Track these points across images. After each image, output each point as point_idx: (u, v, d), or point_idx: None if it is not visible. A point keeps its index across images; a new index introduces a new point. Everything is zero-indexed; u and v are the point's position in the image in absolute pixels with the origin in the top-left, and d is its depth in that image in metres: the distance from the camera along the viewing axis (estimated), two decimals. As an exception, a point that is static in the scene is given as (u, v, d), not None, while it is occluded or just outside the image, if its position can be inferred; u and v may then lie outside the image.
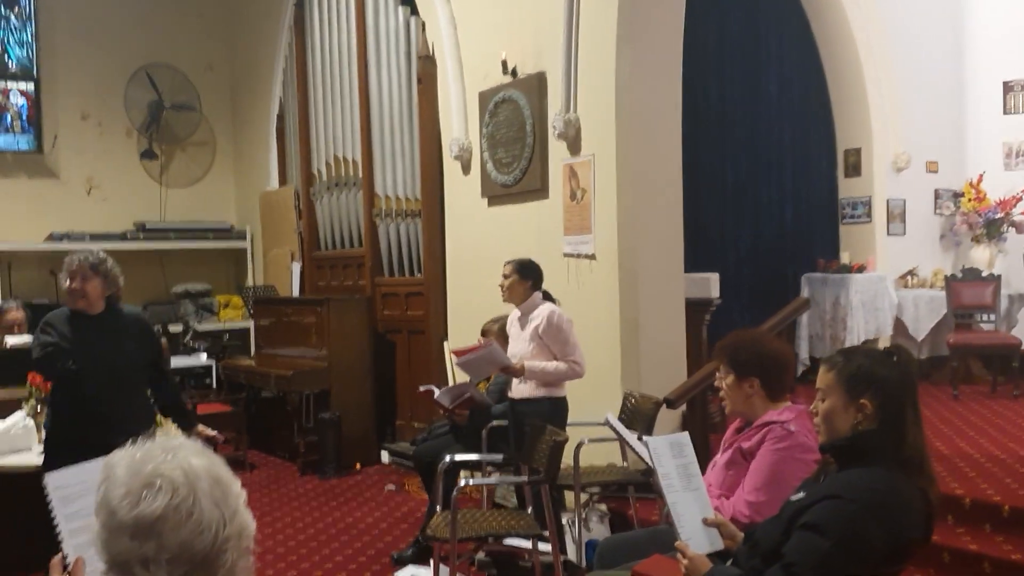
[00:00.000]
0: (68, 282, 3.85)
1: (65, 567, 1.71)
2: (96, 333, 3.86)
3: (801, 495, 2.24)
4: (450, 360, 6.81)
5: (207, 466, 1.35)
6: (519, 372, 4.49)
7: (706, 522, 2.50)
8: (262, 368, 7.73)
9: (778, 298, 7.88)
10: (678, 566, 2.49)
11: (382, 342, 7.46)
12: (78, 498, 1.79)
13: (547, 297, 4.67)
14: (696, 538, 2.46)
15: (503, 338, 5.00)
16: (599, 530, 4.72)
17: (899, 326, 7.88)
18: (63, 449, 3.92)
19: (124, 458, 1.36)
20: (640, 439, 3.06)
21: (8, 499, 4.32)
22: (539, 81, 5.90)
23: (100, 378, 3.82)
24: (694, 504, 2.52)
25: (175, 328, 8.72)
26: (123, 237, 9.28)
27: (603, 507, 4.94)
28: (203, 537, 1.30)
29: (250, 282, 9.68)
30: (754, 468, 2.79)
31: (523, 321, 4.61)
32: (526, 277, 4.58)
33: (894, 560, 2.14)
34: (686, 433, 2.66)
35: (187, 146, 10.03)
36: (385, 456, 7.17)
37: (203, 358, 8.44)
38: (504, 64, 6.12)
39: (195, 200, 10.06)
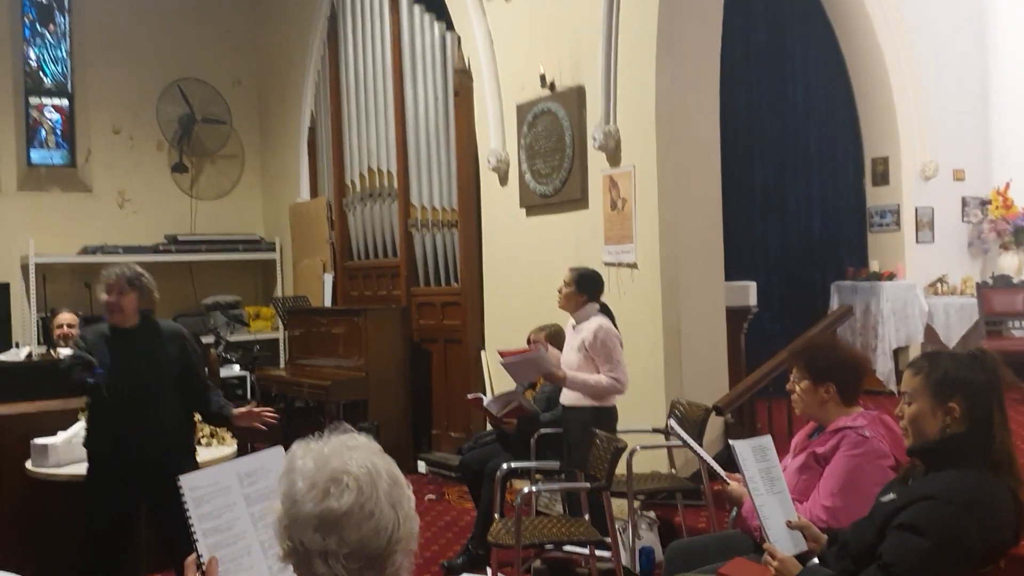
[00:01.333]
0: (105, 296, 3.92)
1: (199, 566, 1.78)
2: (129, 347, 3.94)
3: (892, 496, 2.29)
4: (488, 369, 6.89)
5: (387, 466, 1.41)
6: (562, 380, 4.56)
7: (790, 524, 2.56)
8: (295, 378, 7.79)
9: (807, 306, 7.95)
10: (762, 568, 2.55)
11: (418, 352, 7.52)
12: (212, 498, 1.85)
13: (604, 310, 4.70)
14: (781, 540, 2.52)
15: (550, 346, 5.07)
16: (648, 537, 4.77)
17: (930, 333, 7.92)
18: (102, 462, 4.02)
19: (310, 451, 1.41)
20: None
21: (71, 507, 4.40)
22: (578, 94, 5.98)
23: (130, 392, 3.89)
24: (778, 507, 2.58)
25: (207, 339, 8.79)
26: (155, 250, 9.37)
27: (651, 514, 4.98)
28: (380, 536, 1.35)
29: (279, 293, 9.77)
30: (829, 473, 2.84)
31: (577, 329, 4.67)
32: (582, 290, 4.61)
33: (988, 560, 2.19)
34: (768, 437, 2.72)
35: (216, 159, 10.12)
36: (422, 466, 7.22)
37: (236, 369, 8.51)
38: (542, 78, 6.20)
39: (224, 212, 10.15)
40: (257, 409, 4.05)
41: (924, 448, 2.27)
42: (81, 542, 4.06)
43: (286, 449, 1.48)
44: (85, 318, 6.86)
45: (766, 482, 2.59)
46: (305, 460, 1.40)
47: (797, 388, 2.98)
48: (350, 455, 1.40)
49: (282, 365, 9.17)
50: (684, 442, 3.21)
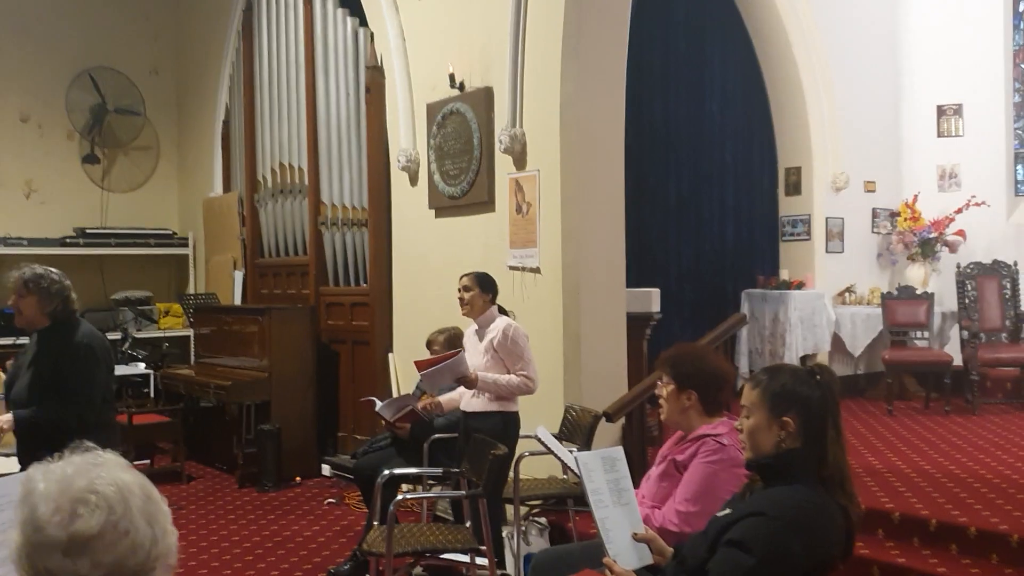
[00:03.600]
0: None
1: None
2: (27, 352, 3.83)
3: (727, 512, 2.28)
4: (395, 372, 6.80)
5: (139, 482, 1.33)
6: (473, 383, 4.48)
7: (636, 537, 2.53)
8: (201, 378, 7.61)
9: (718, 313, 8.01)
10: (609, 580, 2.52)
11: (326, 352, 7.40)
12: None
13: (502, 311, 4.69)
14: (625, 554, 2.49)
15: (449, 349, 5.01)
16: (538, 543, 4.74)
17: (837, 342, 8.06)
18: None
19: (51, 473, 1.31)
20: (571, 453, 3.10)
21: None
22: (486, 95, 5.93)
23: (20, 397, 3.78)
24: (624, 519, 2.54)
25: (113, 336, 8.54)
26: (62, 242, 9.08)
27: (543, 520, 4.96)
28: (136, 555, 1.28)
29: (192, 289, 9.54)
30: (686, 480, 2.85)
31: (480, 334, 4.64)
32: (486, 291, 4.60)
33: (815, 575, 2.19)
34: (620, 448, 2.70)
35: (130, 150, 9.86)
36: (326, 469, 7.10)
37: (140, 367, 8.29)
38: (452, 77, 6.14)
39: (137, 205, 9.89)
40: None
41: (759, 462, 2.27)
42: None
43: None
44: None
45: (613, 493, 2.56)
46: (47, 483, 1.31)
47: (664, 392, 3.00)
48: (96, 473, 1.32)
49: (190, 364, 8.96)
50: (548, 448, 3.19)
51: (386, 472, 4.27)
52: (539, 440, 3.35)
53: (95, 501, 1.28)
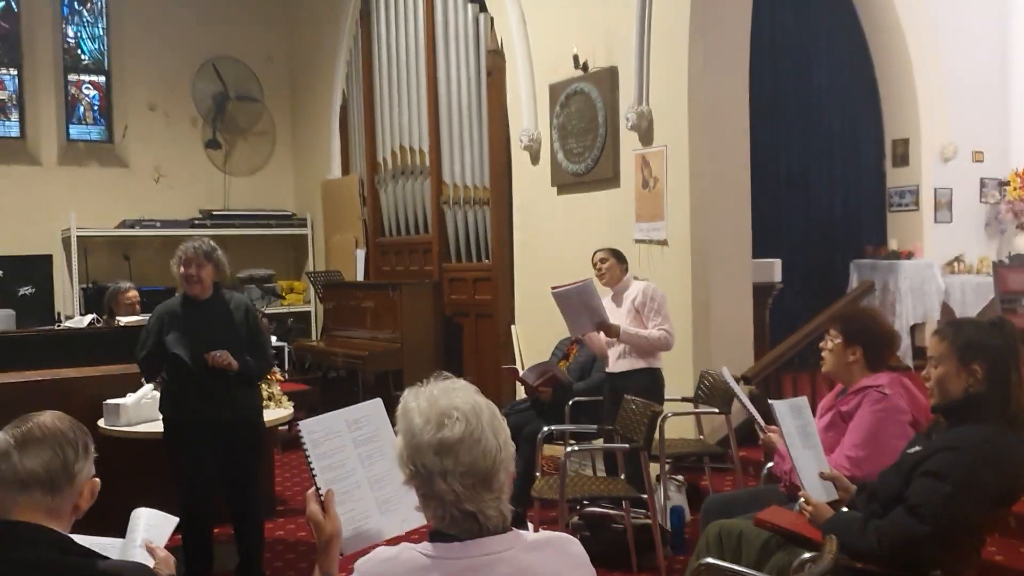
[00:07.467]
0: (183, 269, 4.12)
1: (319, 497, 2.06)
2: (207, 317, 4.15)
3: (917, 448, 2.54)
4: (518, 343, 7.15)
5: (487, 403, 1.70)
6: (615, 331, 4.72)
7: (822, 475, 2.82)
8: (329, 348, 8.08)
9: (828, 284, 8.16)
10: (797, 514, 2.81)
11: (450, 325, 7.79)
12: (324, 441, 2.12)
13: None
14: (815, 490, 2.78)
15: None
16: (677, 498, 5.03)
17: (946, 311, 8.12)
18: (185, 423, 4.20)
19: (421, 394, 1.69)
20: (753, 403, 3.38)
21: (143, 463, 4.70)
22: (611, 75, 6.19)
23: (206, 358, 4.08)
24: (812, 460, 2.84)
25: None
26: (190, 224, 9.65)
27: (679, 477, 5.25)
28: (487, 458, 1.63)
29: (310, 267, 10.05)
30: (853, 427, 3.10)
31: (618, 300, 4.94)
32: (621, 260, 4.93)
33: (1003, 504, 2.45)
34: (804, 398, 2.98)
35: (249, 136, 10.39)
36: (455, 433, 7.50)
37: (274, 340, 8.81)
38: (575, 59, 6.41)
39: (256, 188, 10.44)
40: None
41: (948, 405, 2.52)
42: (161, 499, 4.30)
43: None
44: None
45: (801, 437, 2.84)
46: (419, 401, 1.69)
47: (829, 344, 3.23)
48: (455, 394, 1.69)
49: (314, 337, 9.47)
50: (734, 393, 3.49)
51: (545, 428, 4.62)
52: (727, 382, 3.62)
53: (456, 415, 1.65)
